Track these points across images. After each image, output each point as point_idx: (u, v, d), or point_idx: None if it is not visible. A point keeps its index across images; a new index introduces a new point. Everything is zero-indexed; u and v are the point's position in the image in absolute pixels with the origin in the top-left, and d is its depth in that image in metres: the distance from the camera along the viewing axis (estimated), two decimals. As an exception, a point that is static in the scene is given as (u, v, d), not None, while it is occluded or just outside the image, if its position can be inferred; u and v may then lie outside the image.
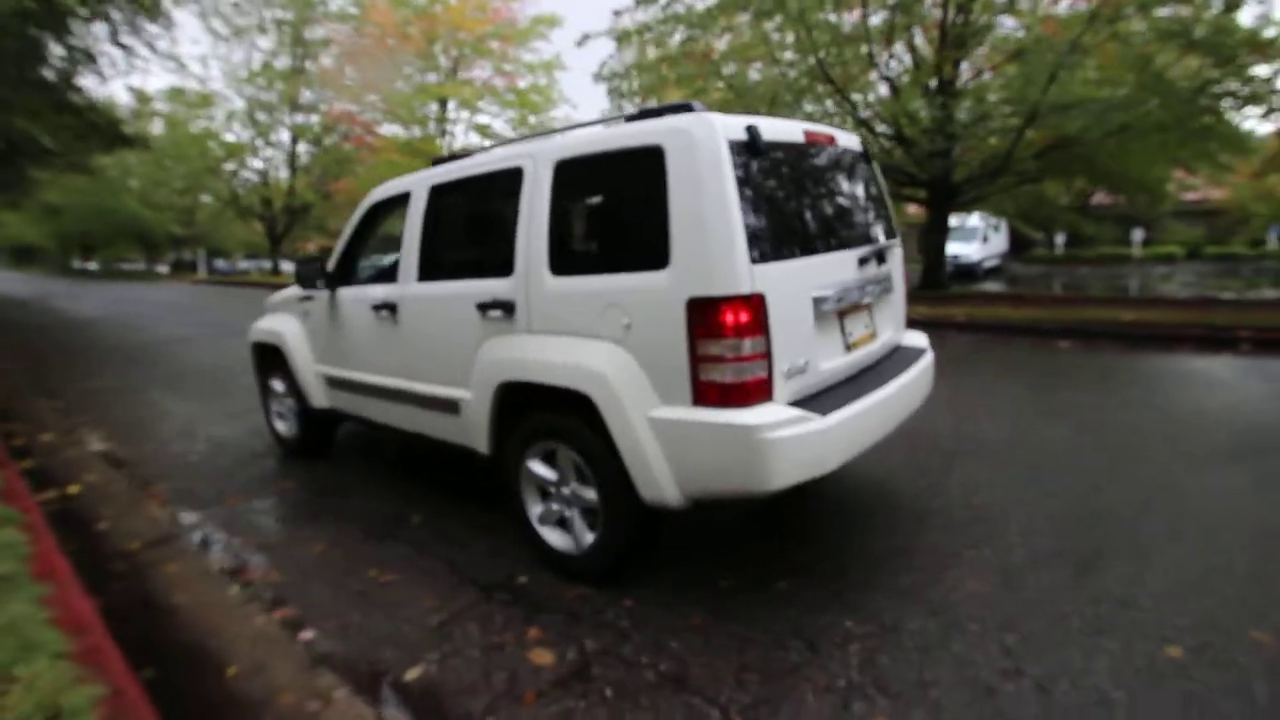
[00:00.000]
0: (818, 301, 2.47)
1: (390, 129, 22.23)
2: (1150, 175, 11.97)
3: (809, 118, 11.67)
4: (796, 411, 2.25)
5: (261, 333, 4.57)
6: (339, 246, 3.88)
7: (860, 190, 3.01)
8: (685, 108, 2.40)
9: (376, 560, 3.06)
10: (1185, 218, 22.61)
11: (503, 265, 2.83)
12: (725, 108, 12.78)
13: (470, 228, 3.28)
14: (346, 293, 3.81)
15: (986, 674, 2.10)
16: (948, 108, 10.34)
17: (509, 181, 2.86)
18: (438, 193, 3.23)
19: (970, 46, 10.95)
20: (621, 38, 12.52)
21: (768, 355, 2.25)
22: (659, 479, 2.37)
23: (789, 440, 2.20)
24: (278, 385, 4.60)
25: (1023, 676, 2.08)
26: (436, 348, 3.17)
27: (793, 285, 2.37)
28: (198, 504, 3.84)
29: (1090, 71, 9.86)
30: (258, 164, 26.36)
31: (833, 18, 10.43)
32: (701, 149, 2.24)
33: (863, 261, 2.76)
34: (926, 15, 10.74)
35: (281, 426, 4.68)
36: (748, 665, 2.21)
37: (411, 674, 2.26)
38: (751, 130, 2.34)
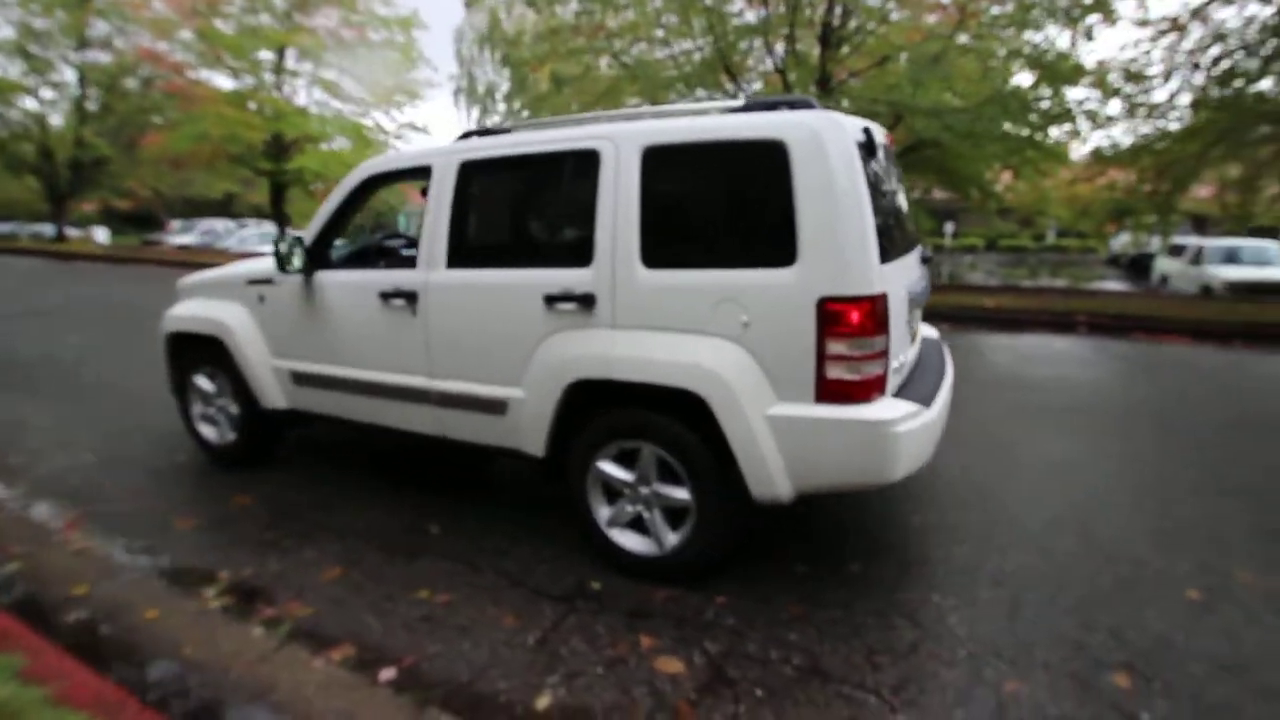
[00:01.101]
0: (909, 298, 2.60)
1: (215, 77, 19.25)
2: (983, 177, 13.81)
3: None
4: (912, 405, 2.37)
5: (186, 321, 3.82)
6: (318, 223, 3.34)
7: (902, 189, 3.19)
8: (803, 103, 2.38)
9: (417, 579, 2.74)
10: (989, 214, 26.48)
11: (575, 254, 2.63)
12: (616, 86, 12.70)
13: (524, 212, 2.98)
14: (331, 277, 3.31)
15: (1072, 631, 2.39)
16: (826, 104, 11.12)
17: (580, 164, 2.65)
18: (472, 170, 2.90)
19: (847, 49, 11.79)
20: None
21: (886, 352, 2.33)
22: (774, 476, 2.37)
23: (911, 433, 2.31)
24: (205, 383, 3.89)
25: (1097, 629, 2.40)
26: (476, 343, 2.88)
27: (896, 283, 2.47)
28: (134, 531, 3.17)
29: (954, 82, 11.08)
30: (32, 105, 21.54)
31: (734, 7, 10.71)
32: (833, 148, 2.24)
33: (925, 260, 2.94)
34: (809, 16, 11.36)
35: (209, 432, 3.98)
36: (873, 648, 2.31)
37: (542, 702, 2.08)
38: (868, 132, 2.39)
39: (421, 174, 3.07)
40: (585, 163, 2.63)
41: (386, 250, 3.71)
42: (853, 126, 2.31)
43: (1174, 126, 9.93)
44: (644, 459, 2.63)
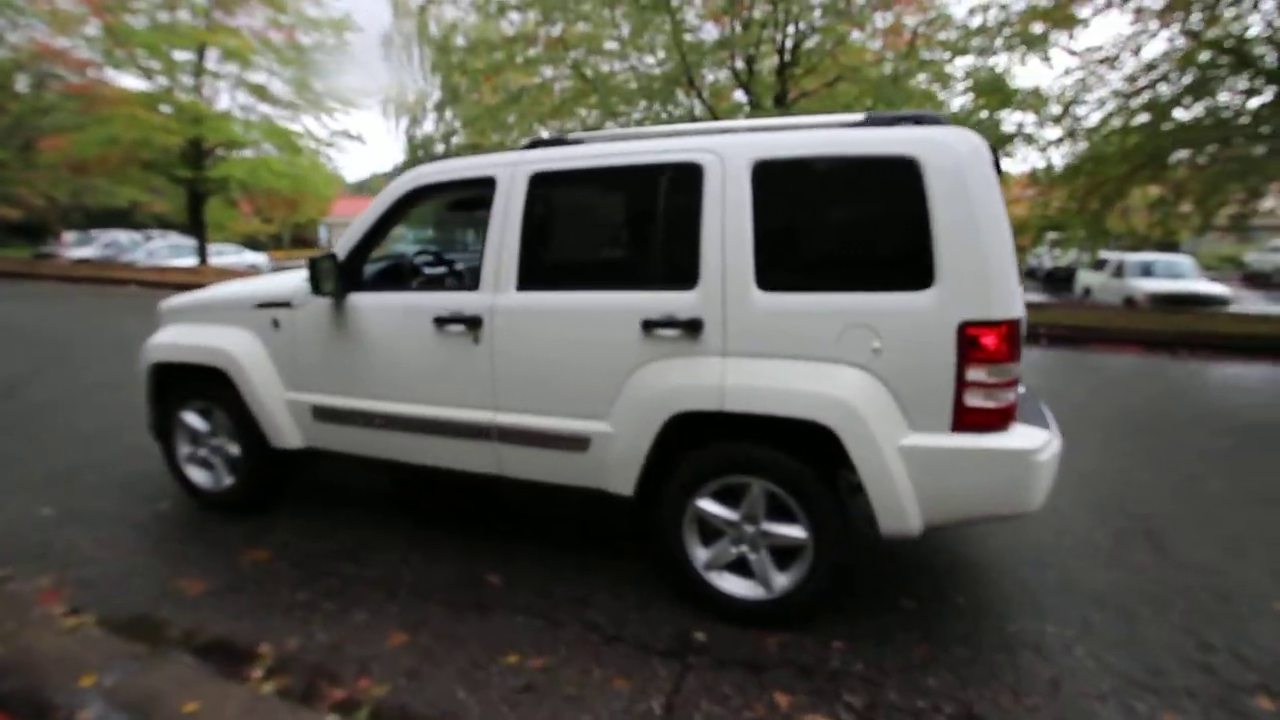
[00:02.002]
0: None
1: (124, 77, 17.70)
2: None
3: (668, 119, 11.92)
4: (1044, 431, 2.29)
5: (177, 350, 3.34)
6: (351, 239, 2.97)
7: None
8: (930, 119, 2.28)
9: (497, 640, 2.43)
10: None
11: (676, 276, 2.43)
12: (576, 98, 12.51)
13: (612, 230, 2.73)
14: (368, 300, 2.95)
15: (1193, 653, 2.37)
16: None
17: (679, 179, 2.45)
18: (546, 183, 2.64)
19: (801, 70, 12.07)
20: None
21: (1019, 379, 2.25)
22: (906, 509, 2.24)
23: (1049, 461, 2.23)
24: (196, 421, 3.41)
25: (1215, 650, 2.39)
26: (554, 373, 2.61)
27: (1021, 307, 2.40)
28: (132, 598, 2.70)
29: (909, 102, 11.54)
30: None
31: (690, 18, 10.77)
32: (971, 165, 2.15)
33: None
34: (771, 35, 11.57)
35: (201, 476, 3.49)
36: (1017, 689, 2.20)
37: (698, 781, 1.85)
38: (994, 149, 2.31)
39: (480, 185, 2.78)
40: (685, 177, 2.43)
41: (419, 268, 3.37)
42: (984, 143, 2.23)
43: (1105, 149, 10.67)
44: (752, 496, 2.44)
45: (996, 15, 10.43)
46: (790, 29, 11.40)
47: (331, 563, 2.99)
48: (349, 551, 3.09)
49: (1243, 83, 9.74)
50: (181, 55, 17.25)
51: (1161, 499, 3.73)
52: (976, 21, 10.41)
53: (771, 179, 2.33)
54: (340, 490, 3.84)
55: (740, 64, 11.75)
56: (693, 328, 2.38)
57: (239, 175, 17.16)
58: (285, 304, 3.11)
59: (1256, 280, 21.37)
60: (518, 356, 2.66)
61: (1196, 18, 9.57)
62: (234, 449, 3.37)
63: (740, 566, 2.54)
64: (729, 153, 2.38)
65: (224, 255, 21.53)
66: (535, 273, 2.64)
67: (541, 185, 2.64)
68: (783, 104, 11.75)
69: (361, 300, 2.95)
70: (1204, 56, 9.91)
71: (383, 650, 2.39)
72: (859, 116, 2.39)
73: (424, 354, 2.82)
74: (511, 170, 2.68)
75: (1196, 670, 2.29)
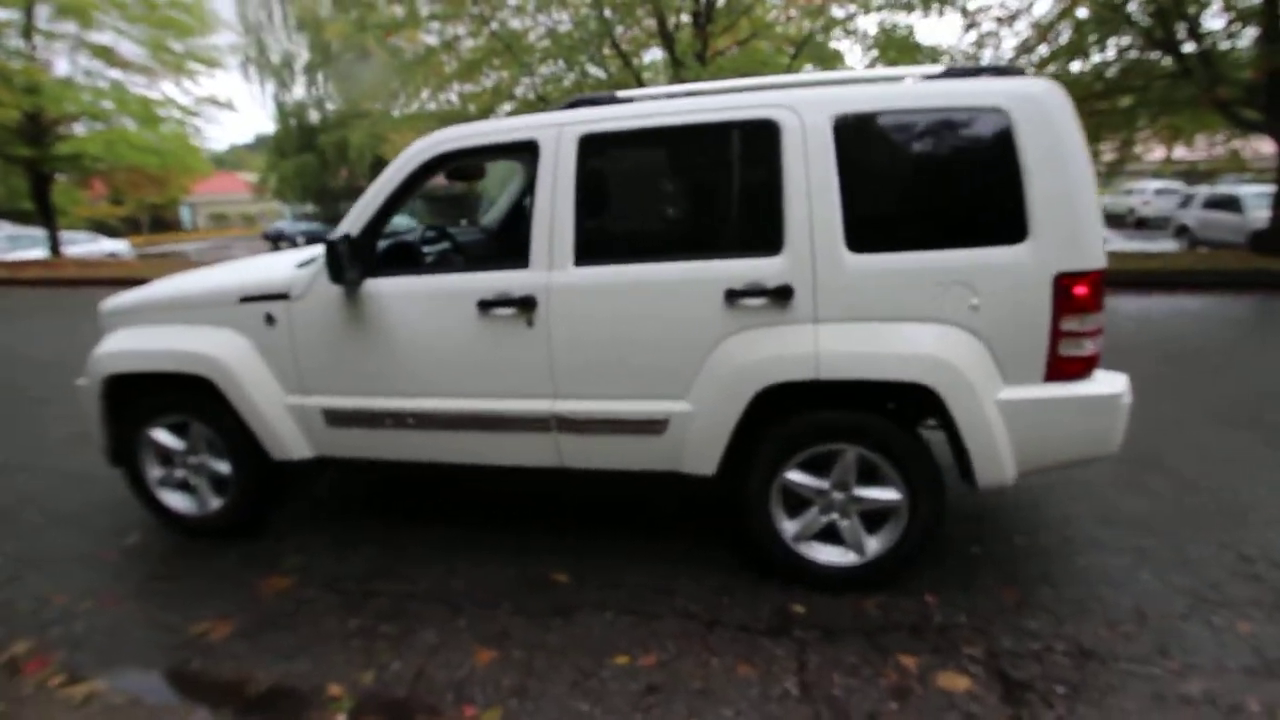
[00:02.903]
0: None
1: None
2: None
3: (590, 84, 11.49)
4: (1119, 375, 2.37)
5: (141, 358, 2.84)
6: (363, 218, 2.58)
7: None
8: (1010, 70, 2.24)
9: (595, 644, 2.28)
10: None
11: (760, 242, 2.29)
12: (487, 57, 11.79)
13: (679, 194, 2.50)
14: (390, 286, 2.59)
15: (1238, 565, 2.57)
16: (701, 78, 11.23)
17: (752, 137, 2.29)
18: (598, 146, 2.39)
19: (718, 27, 11.95)
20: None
21: (1104, 326, 2.31)
22: (1004, 462, 2.27)
23: (1130, 403, 2.32)
24: (169, 439, 2.94)
25: None
26: (624, 353, 2.41)
27: None
28: (146, 651, 2.32)
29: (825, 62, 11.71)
30: None
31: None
32: (1058, 115, 2.14)
33: None
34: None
35: (180, 501, 3.03)
36: (1110, 620, 2.30)
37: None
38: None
39: (516, 151, 2.50)
40: (760, 135, 2.28)
41: (434, 242, 3.00)
42: (1065, 93, 2.22)
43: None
44: (844, 463, 2.39)
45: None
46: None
47: (369, 582, 2.69)
48: (383, 567, 2.79)
49: (1123, 40, 10.61)
50: (4, 13, 14.68)
51: (1147, 428, 4.04)
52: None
53: (855, 134, 2.22)
54: (335, 499, 3.47)
55: (655, 22, 11.46)
56: (782, 295, 2.26)
57: (93, 151, 14.98)
58: (280, 296, 2.69)
59: (1112, 220, 23.83)
60: (580, 338, 2.44)
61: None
62: (221, 466, 2.94)
63: (828, 534, 2.50)
64: (807, 108, 2.25)
65: (76, 244, 18.92)
66: (595, 245, 2.41)
67: (594, 148, 2.39)
68: (702, 62, 11.61)
69: (381, 286, 2.60)
70: (1083, 13, 10.70)
71: (474, 671, 2.18)
72: (936, 69, 2.32)
73: (466, 342, 2.54)
74: (557, 133, 2.41)
75: (1247, 581, 2.50)
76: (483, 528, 3.08)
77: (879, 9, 11.16)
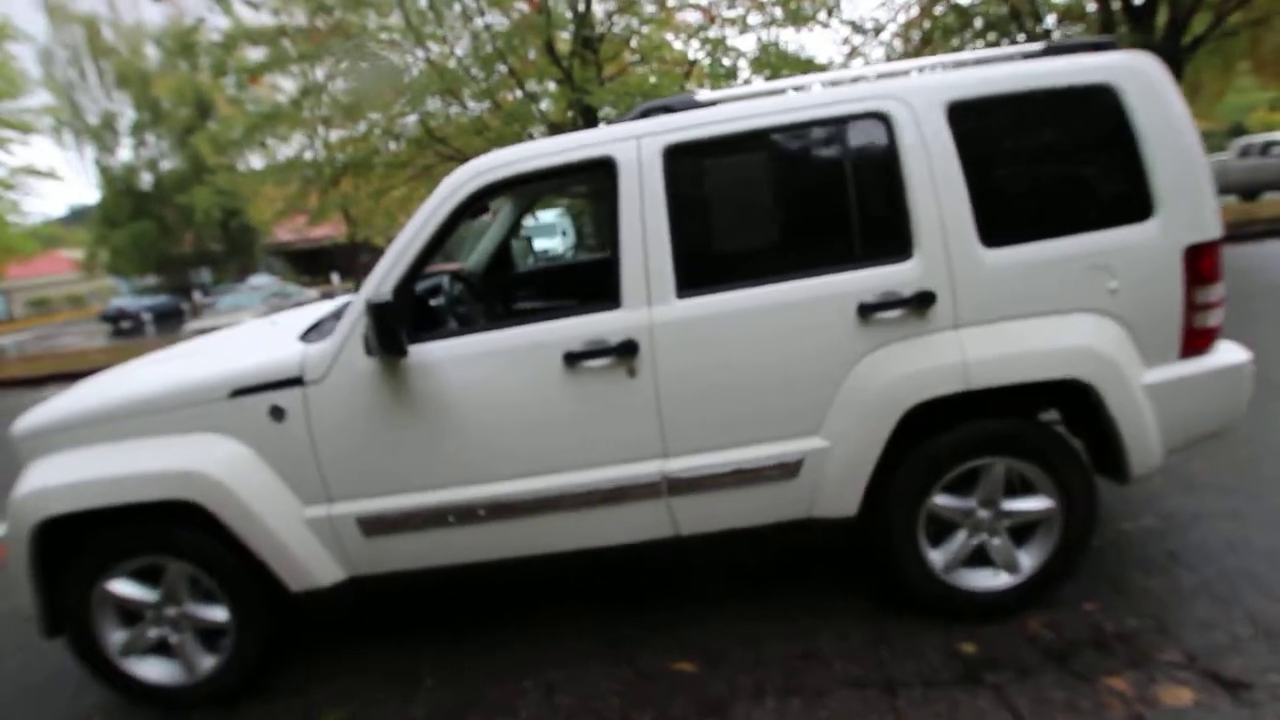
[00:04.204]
0: None
1: None
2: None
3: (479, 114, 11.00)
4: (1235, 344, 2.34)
5: (93, 491, 2.12)
6: (397, 270, 2.06)
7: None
8: (1107, 44, 2.16)
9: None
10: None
11: (888, 247, 2.05)
12: (366, 98, 11.01)
13: (786, 203, 2.17)
14: (442, 350, 2.09)
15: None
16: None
17: (862, 132, 2.06)
18: (686, 156, 2.05)
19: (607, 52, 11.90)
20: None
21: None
22: (1154, 447, 2.16)
23: (1253, 370, 2.29)
24: (137, 591, 2.24)
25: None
26: (745, 391, 2.07)
27: None
28: None
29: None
30: None
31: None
32: (1163, 86, 2.08)
33: None
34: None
35: (157, 669, 2.31)
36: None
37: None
38: None
39: (585, 171, 2.12)
40: (870, 129, 2.05)
41: (480, 288, 2.49)
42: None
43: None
44: (991, 477, 2.19)
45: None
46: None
47: (459, 717, 2.14)
48: (463, 700, 2.23)
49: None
50: None
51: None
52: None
53: (970, 121, 2.05)
54: (353, 616, 2.81)
55: (543, 50, 11.23)
56: (922, 302, 2.03)
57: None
58: (291, 381, 2.11)
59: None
60: (692, 382, 2.07)
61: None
62: (214, 613, 2.26)
63: (976, 557, 2.28)
64: (916, 96, 2.05)
65: None
66: (698, 272, 2.06)
67: (683, 159, 2.05)
68: (601, 86, 11.50)
69: (430, 353, 2.09)
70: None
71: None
72: (1036, 47, 2.21)
73: (549, 405, 2.09)
74: (635, 146, 2.05)
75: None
76: (555, 620, 2.58)
77: (753, 28, 11.58)
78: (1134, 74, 2.07)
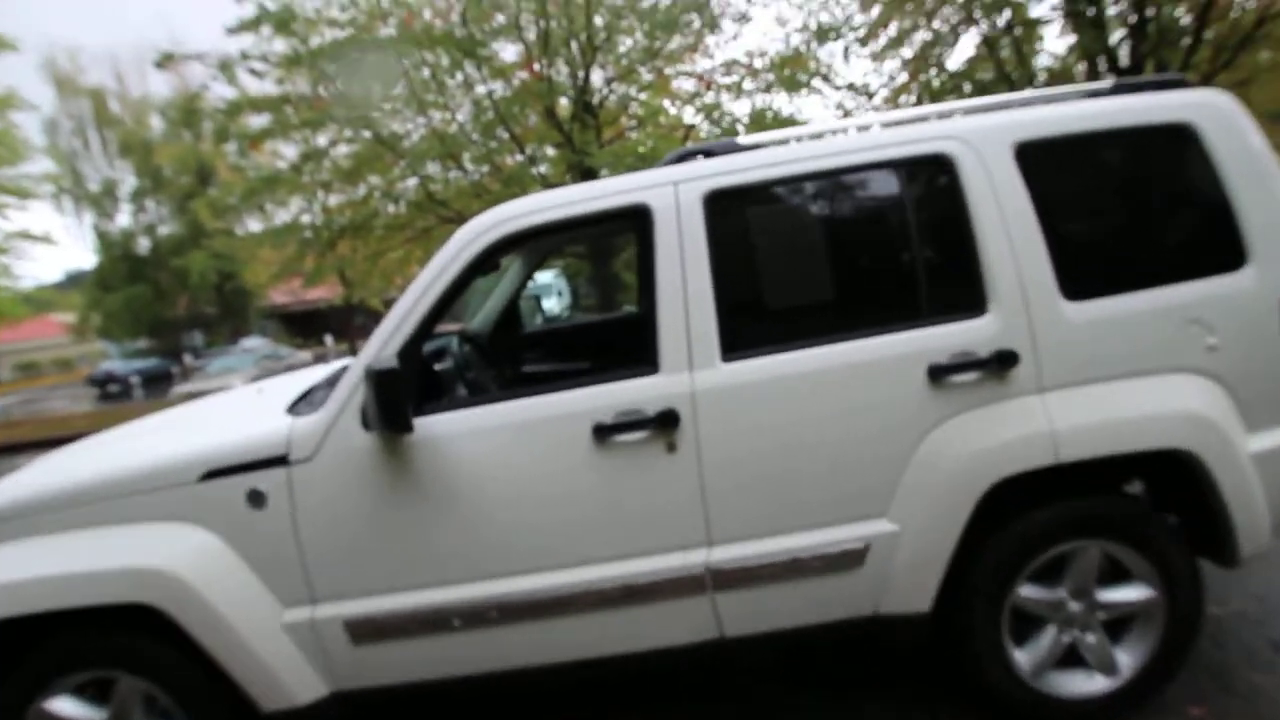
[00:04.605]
0: None
1: None
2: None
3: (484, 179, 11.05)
4: None
5: (32, 593, 1.79)
6: (404, 330, 1.81)
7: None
8: (1176, 82, 2.00)
9: None
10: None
11: (959, 301, 1.83)
12: (366, 161, 11.06)
13: (841, 254, 1.94)
14: (452, 423, 1.81)
15: None
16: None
17: (920, 176, 1.88)
18: (728, 203, 1.84)
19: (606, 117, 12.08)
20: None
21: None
22: (1264, 524, 1.88)
23: None
24: (78, 711, 1.87)
25: None
26: (802, 467, 1.80)
27: None
28: None
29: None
30: None
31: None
32: (1243, 125, 1.90)
33: None
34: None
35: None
36: None
37: None
38: None
39: (615, 221, 1.91)
40: (930, 173, 1.86)
41: (490, 351, 2.24)
42: None
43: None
44: (1083, 563, 1.89)
45: (761, 63, 11.56)
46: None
47: None
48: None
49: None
50: None
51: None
52: (758, 63, 11.37)
53: (1040, 163, 1.86)
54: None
55: (543, 115, 11.40)
56: (1002, 363, 1.78)
57: None
58: (275, 460, 1.82)
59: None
60: (740, 457, 1.80)
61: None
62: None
63: (1066, 658, 1.96)
64: (979, 137, 1.86)
65: None
66: (746, 331, 1.82)
67: (725, 207, 1.84)
68: (602, 149, 11.62)
69: (437, 425, 1.81)
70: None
71: None
72: (1104, 85, 2.05)
73: (575, 486, 1.80)
74: (673, 192, 1.84)
75: None
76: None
77: (748, 94, 11.83)
78: (1213, 112, 1.90)
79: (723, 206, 1.85)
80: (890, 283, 1.91)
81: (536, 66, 10.43)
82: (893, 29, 11.26)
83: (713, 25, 9.52)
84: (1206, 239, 1.89)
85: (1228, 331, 1.85)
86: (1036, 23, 11.21)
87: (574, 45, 10.64)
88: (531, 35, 10.50)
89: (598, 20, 10.46)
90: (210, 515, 1.83)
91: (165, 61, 9.28)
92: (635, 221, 1.87)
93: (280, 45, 9.69)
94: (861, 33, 10.96)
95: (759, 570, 1.83)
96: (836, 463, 1.81)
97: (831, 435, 1.81)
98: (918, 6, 11.02)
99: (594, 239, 2.29)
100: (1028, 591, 1.90)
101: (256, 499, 1.82)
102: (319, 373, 2.63)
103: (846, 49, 11.06)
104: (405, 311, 1.82)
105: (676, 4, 9.34)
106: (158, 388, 21.35)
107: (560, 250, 2.46)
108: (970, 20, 10.96)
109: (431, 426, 1.81)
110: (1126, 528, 1.87)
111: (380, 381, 1.63)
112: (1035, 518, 1.85)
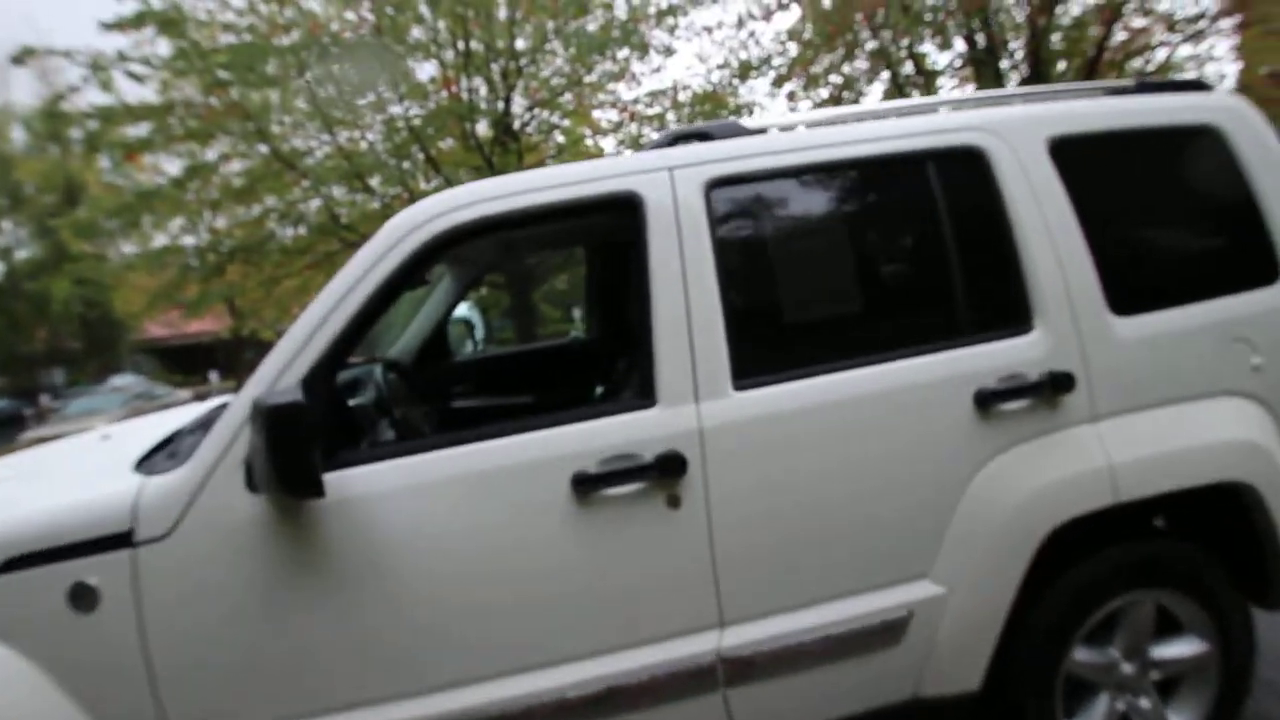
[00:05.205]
0: None
1: None
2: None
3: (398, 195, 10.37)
4: None
5: None
6: (313, 349, 1.32)
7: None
8: (1196, 85, 1.86)
9: None
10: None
11: (1001, 314, 1.56)
12: (267, 180, 10.16)
13: (864, 259, 1.60)
14: (379, 476, 1.33)
15: None
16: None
17: (950, 171, 1.60)
18: (735, 195, 1.50)
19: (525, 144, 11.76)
20: None
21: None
22: None
23: None
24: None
25: None
26: (836, 520, 1.45)
27: None
28: None
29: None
30: None
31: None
32: (1267, 134, 1.77)
33: None
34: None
35: None
36: None
37: None
38: None
39: (596, 213, 1.52)
40: (960, 168, 1.60)
41: (422, 382, 1.75)
42: None
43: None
44: (1137, 618, 1.64)
45: (684, 96, 11.65)
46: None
47: None
48: None
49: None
50: None
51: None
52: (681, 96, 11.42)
53: (1075, 160, 1.64)
54: None
55: (460, 137, 10.93)
56: (1056, 387, 1.51)
57: None
58: (113, 540, 1.26)
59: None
60: (759, 511, 1.42)
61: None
62: None
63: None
64: (1011, 130, 1.63)
65: None
66: (761, 351, 1.46)
67: (731, 199, 1.50)
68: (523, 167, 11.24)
69: (355, 482, 1.32)
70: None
71: None
72: (1126, 83, 1.88)
73: (549, 557, 1.36)
74: (667, 179, 1.48)
75: None
76: None
77: (671, 125, 11.88)
78: (1238, 115, 1.76)
79: (728, 198, 1.50)
80: (925, 293, 1.62)
81: (455, 88, 9.99)
82: (814, 68, 11.64)
83: (642, 50, 9.43)
84: (1241, 250, 1.74)
85: (1273, 349, 1.68)
86: (939, 73, 11.96)
87: (495, 68, 10.30)
88: (450, 55, 10.09)
89: (520, 44, 10.18)
90: (11, 623, 1.25)
91: (25, 56, 8.08)
92: (621, 215, 1.49)
93: (165, 48, 8.76)
94: (783, 70, 11.24)
95: (783, 655, 1.44)
96: (875, 513, 1.48)
97: (869, 478, 1.47)
98: (832, 50, 11.49)
99: (559, 240, 1.87)
100: (1080, 655, 1.62)
101: (83, 598, 1.26)
102: (187, 414, 2.02)
103: (774, 83, 11.28)
104: (313, 326, 1.34)
105: (605, 27, 9.20)
106: (5, 433, 18.61)
107: (513, 255, 2.01)
108: (884, 66, 11.51)
109: (348, 484, 1.32)
110: (1187, 575, 1.63)
111: (276, 422, 1.14)
112: (1091, 568, 1.58)
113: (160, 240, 11.66)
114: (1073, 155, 1.65)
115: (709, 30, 11.39)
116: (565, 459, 1.36)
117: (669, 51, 11.21)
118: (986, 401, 1.49)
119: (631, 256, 1.49)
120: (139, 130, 8.96)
